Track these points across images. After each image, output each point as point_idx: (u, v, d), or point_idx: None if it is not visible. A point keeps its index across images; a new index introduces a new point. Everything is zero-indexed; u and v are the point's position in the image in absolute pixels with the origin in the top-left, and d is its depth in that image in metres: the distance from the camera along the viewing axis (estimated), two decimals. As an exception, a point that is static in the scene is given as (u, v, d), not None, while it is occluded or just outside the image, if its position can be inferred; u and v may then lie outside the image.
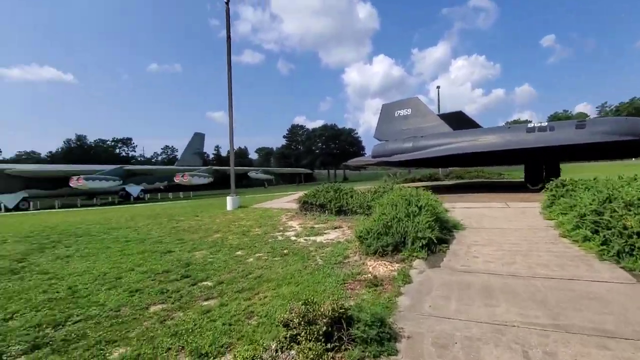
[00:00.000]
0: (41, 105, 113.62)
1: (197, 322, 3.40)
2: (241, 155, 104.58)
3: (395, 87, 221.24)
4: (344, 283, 4.37)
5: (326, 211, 10.44)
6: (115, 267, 5.65)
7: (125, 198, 37.20)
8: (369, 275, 4.61)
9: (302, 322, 2.80)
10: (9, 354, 3.00)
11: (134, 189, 37.86)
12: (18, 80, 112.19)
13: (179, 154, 58.93)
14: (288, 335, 2.80)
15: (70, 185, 29.12)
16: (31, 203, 29.40)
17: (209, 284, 4.67)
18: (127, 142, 77.27)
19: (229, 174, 54.68)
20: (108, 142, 73.89)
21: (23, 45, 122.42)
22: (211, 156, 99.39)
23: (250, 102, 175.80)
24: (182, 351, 2.91)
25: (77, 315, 3.70)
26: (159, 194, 43.18)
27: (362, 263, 5.18)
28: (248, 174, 48.55)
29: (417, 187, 9.11)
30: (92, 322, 3.53)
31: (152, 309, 3.85)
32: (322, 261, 5.45)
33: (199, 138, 55.45)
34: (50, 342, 3.14)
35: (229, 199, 15.06)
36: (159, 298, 4.17)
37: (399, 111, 21.09)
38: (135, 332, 3.26)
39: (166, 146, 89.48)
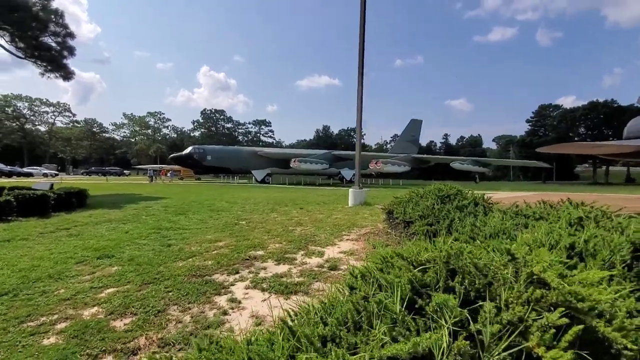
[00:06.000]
0: (321, 104, 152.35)
1: None
2: (472, 144, 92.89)
3: None
4: None
5: (416, 235, 5.57)
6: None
7: (341, 181, 41.17)
8: None
9: None
10: None
11: (347, 173, 41.20)
12: (306, 88, 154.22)
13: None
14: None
15: (291, 166, 35.06)
16: (271, 178, 38.00)
17: None
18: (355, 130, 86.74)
19: (434, 163, 48.79)
20: (345, 130, 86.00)
21: (309, 61, 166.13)
22: (438, 144, 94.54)
23: (493, 84, 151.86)
24: None
25: None
26: (371, 180, 44.30)
27: None
28: (451, 164, 39.47)
29: None
30: None
31: None
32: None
33: (415, 124, 52.86)
34: None
35: (350, 192, 11.96)
36: None
37: None
38: None
39: (395, 135, 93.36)
